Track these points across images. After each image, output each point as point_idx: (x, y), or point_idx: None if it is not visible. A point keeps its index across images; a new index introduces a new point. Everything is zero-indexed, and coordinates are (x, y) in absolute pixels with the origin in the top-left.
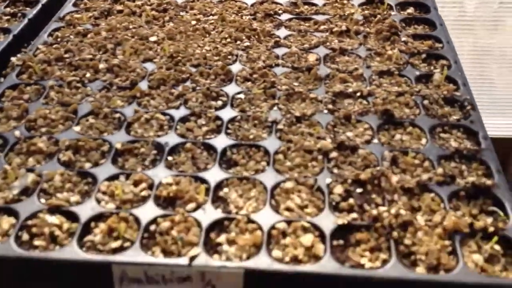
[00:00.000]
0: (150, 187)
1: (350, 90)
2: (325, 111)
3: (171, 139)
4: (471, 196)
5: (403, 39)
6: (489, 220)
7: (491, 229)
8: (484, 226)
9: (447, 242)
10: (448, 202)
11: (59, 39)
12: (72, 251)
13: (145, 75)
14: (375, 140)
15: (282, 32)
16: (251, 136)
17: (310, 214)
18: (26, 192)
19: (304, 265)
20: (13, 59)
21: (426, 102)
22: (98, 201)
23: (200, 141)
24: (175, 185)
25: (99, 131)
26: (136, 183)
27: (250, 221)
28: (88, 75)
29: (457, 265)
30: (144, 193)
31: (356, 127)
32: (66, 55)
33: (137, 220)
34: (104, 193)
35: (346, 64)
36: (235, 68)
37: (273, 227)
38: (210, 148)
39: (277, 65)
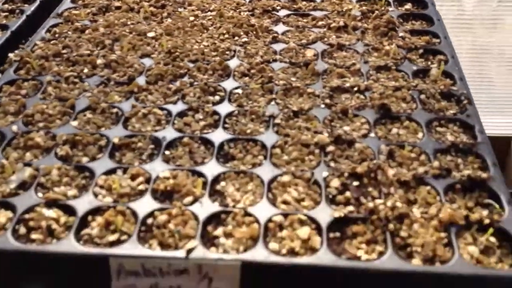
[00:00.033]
0: (148, 181)
1: (347, 85)
2: (322, 105)
3: (168, 133)
4: (466, 189)
5: (401, 34)
6: (485, 212)
7: (487, 221)
8: (479, 218)
9: (442, 234)
10: (444, 195)
11: (57, 35)
12: (69, 244)
13: (143, 71)
14: (372, 134)
15: (280, 28)
16: (248, 131)
17: (307, 207)
18: (23, 186)
19: (301, 257)
20: (10, 55)
21: (423, 96)
22: (96, 195)
23: (198, 135)
24: (172, 179)
25: (97, 126)
26: (133, 177)
27: (247, 214)
28: (85, 70)
29: (453, 256)
30: (141, 187)
31: (353, 121)
32: (64, 51)
33: (134, 213)
34: (101, 187)
35: (344, 60)
36: (233, 63)
37: (270, 220)
38: (207, 143)
39: (275, 60)
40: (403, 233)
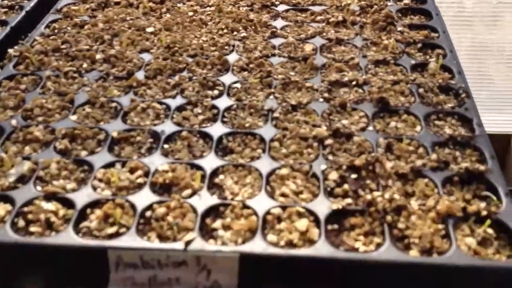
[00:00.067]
0: (146, 174)
1: (346, 79)
2: (321, 99)
3: (167, 127)
4: (464, 182)
5: (399, 29)
6: (482, 204)
7: (484, 213)
8: (477, 210)
9: (440, 226)
10: (442, 187)
11: (56, 31)
12: (68, 237)
13: (142, 65)
14: (370, 128)
15: (279, 23)
16: (247, 124)
17: (305, 199)
18: (22, 179)
19: (299, 249)
20: (10, 50)
21: (421, 90)
22: (94, 188)
23: (196, 129)
24: (171, 172)
25: (96, 120)
26: (132, 171)
27: (245, 206)
28: (85, 65)
29: (450, 248)
30: (140, 180)
31: (351, 115)
32: (63, 46)
33: (133, 206)
34: (100, 180)
35: (342, 54)
36: (232, 58)
37: (268, 213)
38: (206, 136)
39: (274, 55)
40: (400, 225)
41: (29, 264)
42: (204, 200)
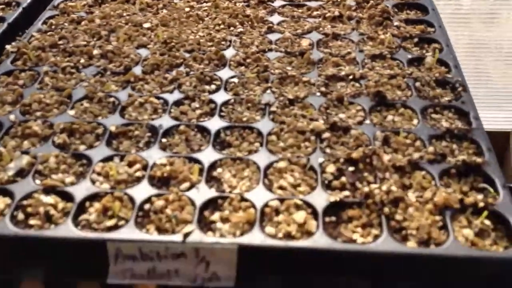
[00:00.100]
0: (144, 168)
1: (342, 73)
2: (318, 93)
3: (165, 122)
4: (461, 174)
5: (396, 23)
6: (479, 196)
7: (481, 204)
8: (474, 201)
9: (437, 218)
10: (439, 180)
11: (53, 27)
12: (67, 230)
13: (139, 61)
14: (367, 121)
15: (276, 18)
16: (244, 119)
17: (303, 192)
18: (21, 173)
19: (297, 241)
20: (7, 47)
21: (418, 84)
22: (93, 181)
23: (194, 123)
24: (169, 165)
25: (94, 115)
26: (130, 164)
27: (243, 199)
28: (82, 61)
29: (448, 239)
30: (138, 173)
31: (348, 109)
32: (60, 42)
33: (131, 199)
34: (98, 174)
35: (339, 49)
36: (229, 53)
37: (266, 205)
38: (204, 130)
39: (270, 50)
40: (398, 217)
41: (28, 256)
42: (202, 193)
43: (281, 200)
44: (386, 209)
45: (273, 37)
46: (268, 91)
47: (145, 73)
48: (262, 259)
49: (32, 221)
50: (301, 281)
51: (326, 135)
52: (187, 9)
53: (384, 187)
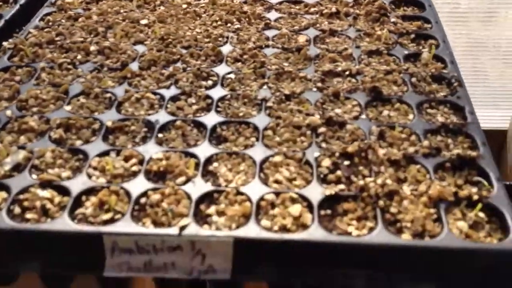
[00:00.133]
0: (141, 162)
1: (339, 69)
2: (314, 89)
3: (161, 117)
4: (456, 167)
5: (392, 20)
6: (474, 189)
7: (476, 197)
8: (468, 194)
9: (432, 210)
10: (434, 173)
11: (50, 23)
12: (63, 223)
13: (136, 57)
14: (363, 116)
15: (273, 15)
16: (240, 114)
17: (299, 186)
18: (17, 168)
19: (293, 233)
20: (4, 43)
21: (414, 79)
22: (89, 176)
23: (191, 118)
24: (165, 160)
25: (90, 111)
26: (126, 159)
27: (239, 193)
28: (79, 57)
29: (442, 231)
30: (134, 168)
31: (344, 104)
32: (57, 38)
33: (127, 193)
34: (95, 168)
35: (336, 45)
36: (226, 49)
37: (262, 199)
38: (200, 126)
39: (267, 46)
40: (393, 209)
41: (25, 250)
42: (198, 187)
43: (277, 194)
44: (381, 202)
45: (270, 33)
46: (265, 86)
47: (142, 69)
48: (258, 252)
49: (28, 215)
50: (297, 273)
51: (322, 129)
52: (184, 6)
53: (379, 181)
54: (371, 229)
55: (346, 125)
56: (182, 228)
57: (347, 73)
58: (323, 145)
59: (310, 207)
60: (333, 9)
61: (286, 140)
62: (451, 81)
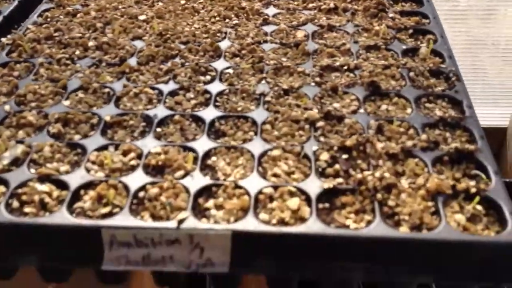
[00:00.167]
0: (139, 156)
1: (337, 64)
2: (313, 83)
3: (160, 112)
4: (454, 161)
5: (391, 15)
6: (472, 182)
7: (473, 190)
8: (466, 187)
9: (430, 203)
10: (432, 167)
11: (48, 19)
12: (62, 217)
13: (134, 52)
14: (361, 110)
15: (271, 11)
16: (239, 108)
17: (297, 179)
18: (16, 162)
19: (291, 227)
20: (3, 39)
21: (412, 74)
22: (88, 170)
23: (189, 113)
24: (163, 154)
25: (89, 105)
26: (125, 153)
27: (237, 186)
28: (77, 52)
29: (440, 224)
30: (133, 162)
31: (342, 98)
32: (56, 34)
33: (126, 187)
34: (93, 162)
35: (334, 40)
36: (224, 44)
37: (260, 192)
38: (198, 120)
39: (266, 41)
40: (391, 203)
41: (23, 244)
42: (196, 180)
43: (275, 187)
44: (379, 195)
45: (268, 29)
46: (263, 81)
47: (140, 64)
48: (256, 245)
49: (27, 209)
50: (295, 266)
51: (320, 124)
52: (182, 2)
53: (377, 174)
54: (369, 222)
55: (345, 119)
56: (180, 221)
57: (345, 67)
58: (322, 139)
59: (308, 200)
60: (331, 5)
61: (285, 134)
62: (449, 76)
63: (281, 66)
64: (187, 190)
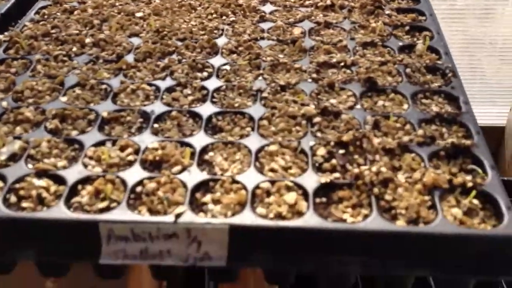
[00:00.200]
0: (136, 152)
1: (334, 60)
2: (309, 80)
3: (157, 108)
4: (450, 156)
5: (387, 12)
6: (468, 177)
7: (470, 184)
8: (462, 182)
9: (426, 197)
10: (429, 162)
11: (45, 17)
12: (59, 212)
13: (131, 49)
14: (358, 106)
15: (268, 8)
16: (236, 104)
17: (294, 174)
18: (13, 158)
19: (288, 221)
20: (0, 36)
21: (408, 70)
22: (85, 165)
23: (186, 109)
24: (160, 149)
25: (86, 101)
26: (122, 148)
27: (234, 181)
28: (74, 49)
29: (436, 218)
30: (130, 157)
31: (339, 94)
32: (53, 31)
33: (123, 182)
34: (90, 158)
35: (331, 37)
36: (221, 41)
37: (257, 187)
38: (195, 116)
39: (262, 38)
40: (387, 197)
41: (21, 238)
42: (194, 175)
43: (272, 182)
44: (376, 190)
45: (265, 25)
46: (260, 77)
47: (137, 60)
48: (253, 239)
49: (24, 204)
50: (292, 260)
51: (317, 119)
52: None
53: (374, 169)
54: (366, 216)
55: (341, 115)
56: (178, 215)
57: (342, 64)
58: (318, 134)
59: (305, 195)
60: (328, 2)
61: (282, 129)
62: (446, 72)
63: (278, 63)
64: (184, 185)
